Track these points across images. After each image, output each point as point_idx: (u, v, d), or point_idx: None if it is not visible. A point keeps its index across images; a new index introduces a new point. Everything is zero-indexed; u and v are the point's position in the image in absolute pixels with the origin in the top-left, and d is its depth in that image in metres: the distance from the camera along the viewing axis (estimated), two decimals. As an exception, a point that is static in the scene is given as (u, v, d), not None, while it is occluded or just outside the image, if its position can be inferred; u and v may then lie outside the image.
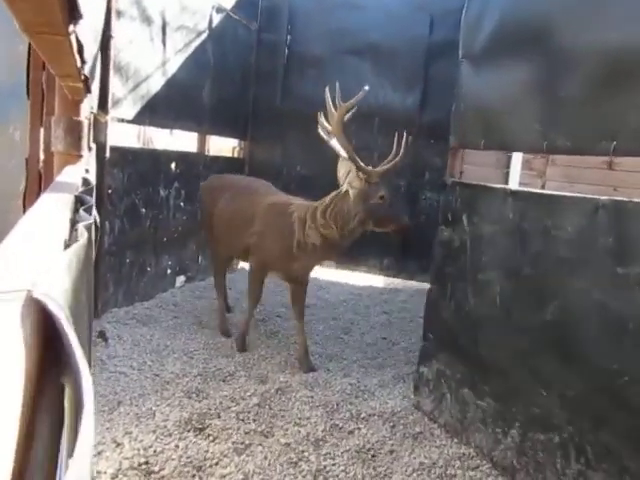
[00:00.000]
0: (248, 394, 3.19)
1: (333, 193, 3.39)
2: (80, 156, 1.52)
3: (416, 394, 3.30)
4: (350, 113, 3.24)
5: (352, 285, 6.09)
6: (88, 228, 0.73)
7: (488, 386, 2.72)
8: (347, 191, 3.20)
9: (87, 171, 1.41)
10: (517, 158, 5.58)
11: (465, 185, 2.91)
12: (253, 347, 3.93)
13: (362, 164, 3.21)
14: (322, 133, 3.42)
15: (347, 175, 3.20)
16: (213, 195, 4.15)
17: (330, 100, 3.14)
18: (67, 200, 0.89)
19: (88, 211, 0.89)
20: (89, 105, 1.78)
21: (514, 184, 5.71)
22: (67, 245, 0.70)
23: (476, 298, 2.80)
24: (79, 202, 0.98)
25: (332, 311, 5.17)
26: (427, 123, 5.86)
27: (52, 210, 0.76)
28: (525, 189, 2.55)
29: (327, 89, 3.17)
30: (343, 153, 3.20)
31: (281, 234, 3.46)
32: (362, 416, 3.12)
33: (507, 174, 5.82)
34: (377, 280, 6.38)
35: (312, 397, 3.24)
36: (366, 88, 3.06)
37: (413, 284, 6.32)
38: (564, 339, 2.31)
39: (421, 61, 5.80)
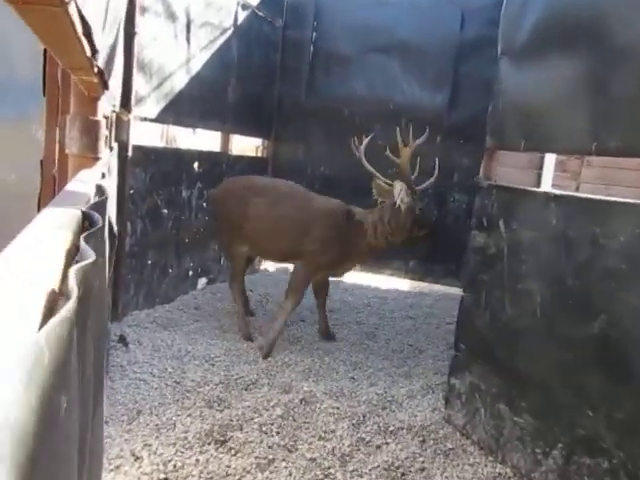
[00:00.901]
0: (271, 404, 3.07)
1: (385, 205, 3.80)
2: (97, 159, 1.40)
3: (447, 407, 3.14)
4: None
5: (376, 288, 5.93)
6: (85, 271, 0.57)
7: (527, 402, 2.55)
8: (399, 206, 3.68)
9: (103, 176, 1.30)
10: (550, 159, 5.35)
11: (502, 188, 2.75)
12: (276, 353, 3.81)
13: (413, 186, 3.74)
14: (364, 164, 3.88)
15: (399, 193, 3.67)
16: (240, 198, 3.97)
17: (400, 138, 3.62)
18: (70, 219, 0.77)
19: (93, 236, 0.76)
20: (109, 103, 1.67)
21: (547, 186, 5.49)
22: (55, 295, 0.56)
23: (514, 308, 2.63)
24: (87, 219, 0.86)
25: (356, 315, 5.03)
26: (456, 123, 5.67)
27: (42, 240, 0.62)
28: (570, 193, 2.38)
29: (398, 129, 3.64)
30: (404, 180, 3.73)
31: (345, 238, 3.78)
32: (390, 429, 2.98)
33: (539, 176, 5.60)
34: (402, 283, 6.22)
35: (337, 408, 3.11)
36: (427, 130, 3.74)
37: (439, 288, 6.14)
38: (613, 356, 2.14)
39: (451, 59, 5.61)
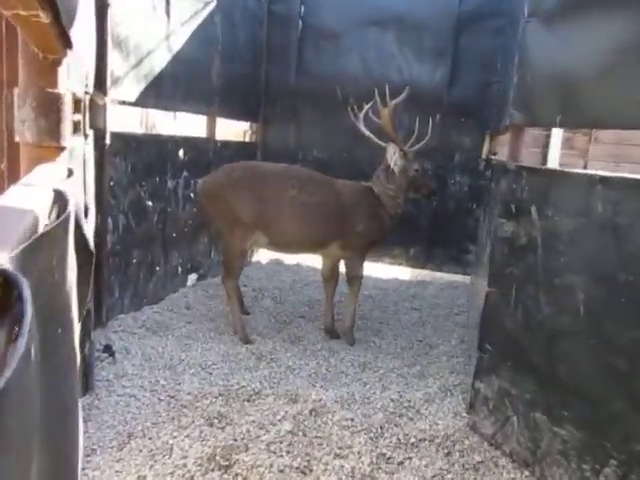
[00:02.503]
0: (278, 418, 2.76)
1: (379, 172, 3.92)
2: (59, 148, 1.05)
3: (471, 413, 2.86)
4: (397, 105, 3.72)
5: (376, 278, 5.63)
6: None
7: (569, 411, 2.27)
8: (393, 169, 3.83)
9: (70, 173, 0.96)
10: (557, 136, 5.06)
11: (535, 171, 2.43)
12: (278, 357, 3.49)
13: (404, 147, 3.86)
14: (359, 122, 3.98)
15: (393, 155, 3.81)
16: (249, 186, 3.61)
17: (379, 97, 3.70)
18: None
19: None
20: (77, 77, 1.30)
21: (554, 164, 5.21)
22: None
23: (552, 306, 2.33)
24: (23, 259, 0.53)
25: (358, 308, 4.70)
26: (457, 100, 5.35)
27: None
28: (619, 175, 2.07)
29: (376, 90, 3.71)
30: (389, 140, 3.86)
31: (377, 213, 3.87)
32: (411, 441, 2.69)
33: (544, 155, 5.32)
34: (403, 272, 5.93)
35: (352, 419, 2.81)
36: (407, 89, 3.68)
37: (442, 276, 5.87)
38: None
39: (450, 32, 5.26)
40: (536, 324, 2.41)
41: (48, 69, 1.03)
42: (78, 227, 1.01)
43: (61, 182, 0.85)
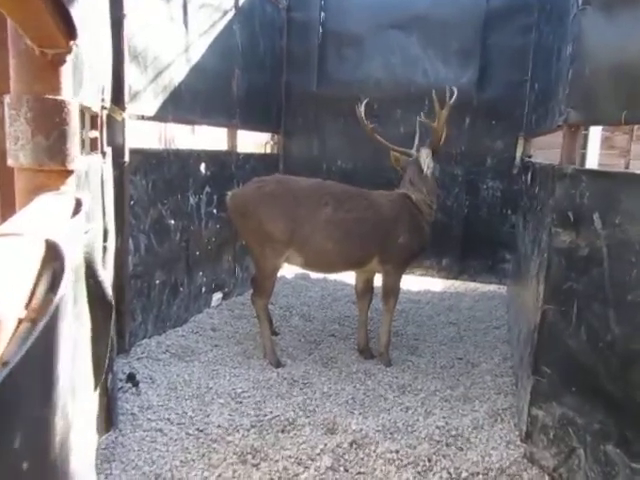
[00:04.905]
0: (317, 452, 2.53)
1: (408, 177, 3.76)
2: (66, 173, 0.85)
3: (528, 442, 2.59)
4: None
5: (408, 291, 5.37)
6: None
7: (649, 445, 2.00)
8: (426, 173, 3.70)
9: (78, 206, 0.76)
10: (596, 135, 4.77)
11: (598, 174, 2.18)
12: (312, 382, 3.27)
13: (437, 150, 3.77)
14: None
15: (426, 159, 3.68)
16: (284, 202, 3.40)
17: (436, 98, 3.58)
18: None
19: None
20: (87, 79, 1.09)
21: (592, 164, 4.92)
22: None
23: (624, 325, 2.07)
24: None
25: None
26: (486, 102, 5.11)
27: None
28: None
29: (434, 92, 3.61)
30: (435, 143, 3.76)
31: (418, 222, 3.70)
32: (463, 476, 2.44)
33: (582, 155, 5.02)
34: (435, 284, 5.66)
35: (397, 452, 2.56)
36: (455, 91, 3.59)
37: (476, 286, 5.59)
38: None
39: (477, 32, 5.02)
40: (605, 346, 2.15)
41: (47, 69, 0.81)
42: (92, 275, 0.82)
43: (62, 224, 0.65)
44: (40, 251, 0.52)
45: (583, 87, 2.21)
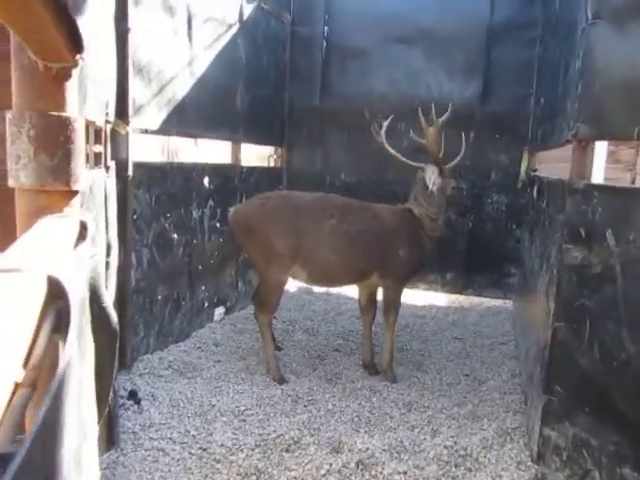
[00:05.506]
0: (322, 472, 2.47)
1: (416, 194, 3.73)
2: (70, 193, 0.80)
3: (539, 463, 2.53)
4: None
5: (412, 305, 5.31)
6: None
7: (667, 469, 1.94)
8: (432, 189, 3.65)
9: (83, 228, 0.71)
10: (601, 149, 4.74)
11: (610, 190, 2.15)
12: (315, 399, 3.21)
13: (443, 165, 3.69)
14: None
15: (431, 176, 3.64)
16: (287, 217, 3.39)
17: (422, 117, 3.57)
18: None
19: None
20: (91, 93, 1.06)
21: (598, 180, 4.88)
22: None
23: (639, 344, 2.02)
24: None
25: (396, 340, 4.38)
26: (490, 116, 5.09)
27: None
28: None
29: (419, 109, 3.59)
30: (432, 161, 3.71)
31: (419, 237, 3.67)
32: (474, 499, 2.37)
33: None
34: (439, 298, 5.60)
35: (404, 473, 2.50)
36: (451, 106, 3.57)
37: (481, 301, 5.53)
38: None
39: (481, 46, 5.02)
40: (620, 365, 2.10)
41: (51, 84, 0.76)
42: (97, 301, 0.78)
43: (66, 254, 0.61)
44: (42, 289, 0.47)
45: (593, 101, 2.19)
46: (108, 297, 0.87)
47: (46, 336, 0.47)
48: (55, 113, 0.76)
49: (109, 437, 2.48)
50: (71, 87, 0.78)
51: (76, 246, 0.72)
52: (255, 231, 3.39)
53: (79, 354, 0.60)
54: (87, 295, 0.75)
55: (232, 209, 3.57)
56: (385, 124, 3.83)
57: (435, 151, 3.59)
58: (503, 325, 4.87)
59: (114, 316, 0.87)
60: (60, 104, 0.77)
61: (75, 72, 0.80)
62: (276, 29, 5.09)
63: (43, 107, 0.75)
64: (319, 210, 3.47)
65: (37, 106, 0.76)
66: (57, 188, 0.78)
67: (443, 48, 5.08)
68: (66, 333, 0.46)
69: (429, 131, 3.53)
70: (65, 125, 0.77)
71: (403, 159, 3.78)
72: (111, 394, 2.33)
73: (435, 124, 3.50)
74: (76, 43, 0.75)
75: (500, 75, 5.03)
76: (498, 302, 5.43)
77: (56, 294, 0.49)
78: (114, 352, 0.88)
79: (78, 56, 0.80)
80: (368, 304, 3.82)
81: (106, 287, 0.95)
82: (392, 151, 3.78)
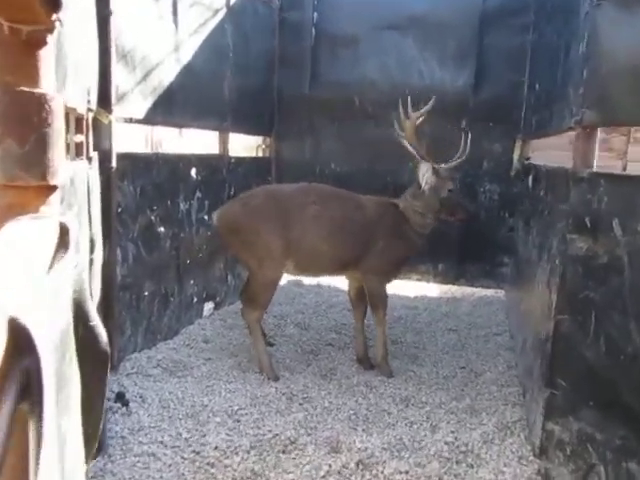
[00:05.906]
0: (321, 474, 2.39)
1: (410, 189, 3.65)
2: (47, 189, 0.66)
3: (542, 458, 2.48)
4: (422, 118, 3.44)
5: (404, 297, 5.25)
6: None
7: (677, 465, 1.89)
8: (423, 188, 3.53)
9: (64, 233, 0.59)
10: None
11: (617, 178, 2.08)
12: (311, 396, 3.12)
13: (435, 165, 3.54)
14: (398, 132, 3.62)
15: (424, 174, 3.50)
16: (275, 211, 3.33)
17: (402, 109, 3.43)
18: None
19: None
20: (71, 73, 0.91)
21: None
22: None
23: (648, 338, 1.96)
24: None
25: (389, 331, 4.29)
26: (483, 104, 5.00)
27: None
28: None
29: (400, 100, 3.45)
30: (417, 156, 3.54)
31: (401, 230, 3.58)
32: (477, 497, 2.31)
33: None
34: (431, 289, 5.54)
35: (406, 472, 2.43)
36: (433, 98, 3.42)
37: (473, 291, 5.49)
38: None
39: (474, 32, 4.91)
40: (627, 358, 2.03)
41: (21, 52, 0.60)
42: (82, 318, 0.68)
43: (38, 279, 0.49)
44: (1, 342, 0.34)
45: (599, 86, 2.10)
46: (95, 313, 0.76)
47: (8, 409, 0.35)
48: (26, 89, 0.61)
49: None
50: (46, 57, 0.63)
51: (55, 256, 0.60)
52: (243, 232, 3.32)
53: (60, 408, 0.50)
54: (71, 320, 0.64)
55: (216, 213, 3.46)
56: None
57: (414, 142, 3.47)
58: (496, 315, 4.83)
59: (103, 335, 0.76)
60: (32, 77, 0.62)
61: (51, 39, 0.64)
62: (264, 15, 4.94)
63: (10, 81, 0.61)
64: (302, 197, 3.43)
65: (2, 79, 0.62)
66: (30, 183, 0.63)
67: (435, 35, 4.97)
68: (39, 403, 0.35)
69: (406, 125, 3.42)
70: (39, 104, 0.62)
71: (415, 153, 3.52)
72: (101, 427, 2.22)
73: (411, 118, 3.38)
74: (56, 4, 0.60)
75: (493, 62, 4.94)
76: (490, 292, 5.38)
77: (22, 348, 0.36)
78: (104, 379, 0.77)
79: (55, 16, 0.64)
80: (358, 297, 3.74)
81: (90, 293, 0.83)
82: (410, 148, 3.50)
